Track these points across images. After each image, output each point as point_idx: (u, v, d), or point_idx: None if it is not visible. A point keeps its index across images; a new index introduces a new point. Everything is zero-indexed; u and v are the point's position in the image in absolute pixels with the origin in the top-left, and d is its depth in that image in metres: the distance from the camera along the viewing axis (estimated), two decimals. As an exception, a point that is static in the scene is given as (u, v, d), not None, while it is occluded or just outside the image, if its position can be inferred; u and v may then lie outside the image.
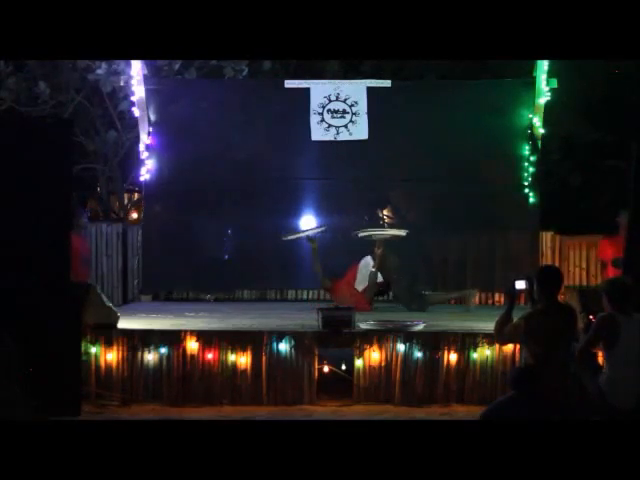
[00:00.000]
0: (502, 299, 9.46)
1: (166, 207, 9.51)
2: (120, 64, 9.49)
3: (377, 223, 9.65)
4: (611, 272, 7.26)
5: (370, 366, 6.66)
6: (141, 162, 9.47)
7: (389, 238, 8.60)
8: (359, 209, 9.69)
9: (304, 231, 8.87)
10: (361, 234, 8.51)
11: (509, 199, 9.38)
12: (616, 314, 5.15)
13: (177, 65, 9.91)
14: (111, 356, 6.64)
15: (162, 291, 9.68)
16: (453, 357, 6.64)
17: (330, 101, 9.42)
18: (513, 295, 5.23)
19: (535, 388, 4.89)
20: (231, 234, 9.54)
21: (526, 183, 9.33)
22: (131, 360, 6.64)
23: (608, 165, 11.19)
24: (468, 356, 6.64)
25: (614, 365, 5.12)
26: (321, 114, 9.41)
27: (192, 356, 6.63)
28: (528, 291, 5.24)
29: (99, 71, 9.52)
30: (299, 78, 9.81)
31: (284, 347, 6.64)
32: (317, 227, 9.00)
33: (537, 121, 9.31)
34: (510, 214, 9.39)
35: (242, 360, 6.62)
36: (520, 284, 5.23)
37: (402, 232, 8.60)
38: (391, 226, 9.66)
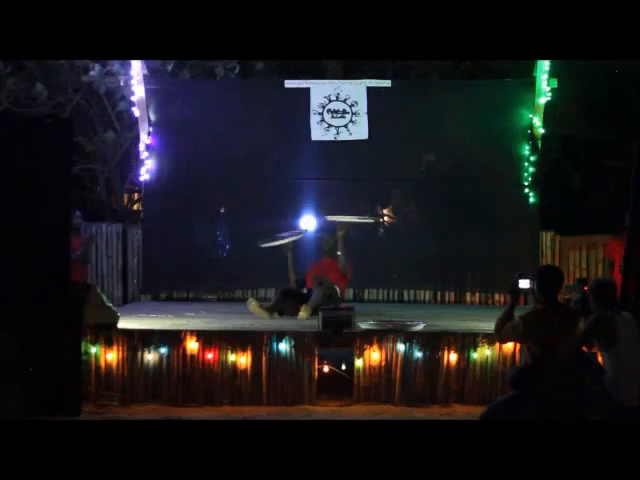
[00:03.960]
0: (502, 299, 9.46)
1: (166, 207, 9.51)
2: (114, 65, 9.48)
3: (377, 222, 9.66)
4: (618, 271, 7.25)
5: (370, 366, 6.66)
6: (141, 162, 9.47)
7: (357, 224, 8.49)
8: (359, 209, 9.68)
9: (281, 237, 8.34)
10: (330, 218, 8.38)
11: (509, 199, 9.37)
12: (609, 314, 5.18)
13: (170, 66, 9.89)
14: (111, 356, 6.64)
15: (162, 291, 9.67)
16: (453, 357, 6.64)
17: (330, 101, 9.42)
18: (516, 293, 5.23)
19: (535, 388, 4.89)
20: (223, 234, 9.53)
21: (526, 183, 9.33)
22: (131, 360, 6.65)
23: (608, 165, 11.18)
24: (468, 356, 6.65)
25: (616, 364, 5.14)
26: (321, 114, 9.40)
27: (192, 356, 6.64)
28: (532, 290, 5.23)
29: (92, 72, 9.51)
30: (296, 78, 9.79)
31: (284, 347, 6.64)
32: (294, 233, 8.47)
33: (537, 121, 9.31)
34: (510, 214, 9.39)
35: (242, 360, 6.63)
36: (524, 283, 5.21)
37: (371, 220, 8.52)
38: (391, 224, 9.68)
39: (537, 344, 4.92)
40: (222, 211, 9.63)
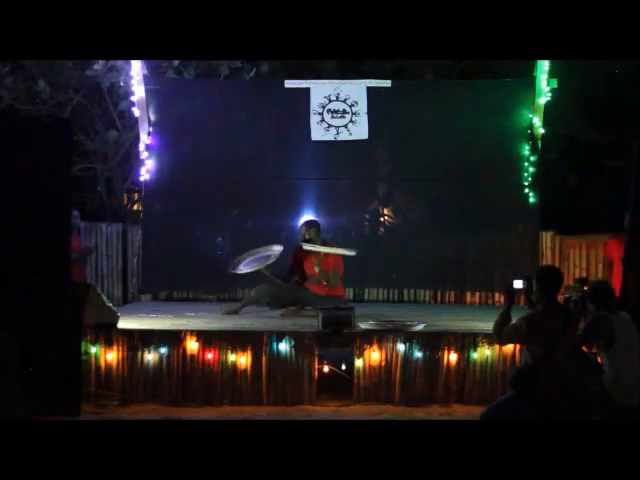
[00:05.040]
0: (502, 299, 9.46)
1: (166, 207, 9.51)
2: (118, 60, 9.46)
3: (377, 221, 9.67)
4: (617, 271, 7.26)
5: (370, 366, 6.66)
6: (141, 162, 9.47)
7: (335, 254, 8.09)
8: (359, 209, 9.69)
9: (253, 259, 8.18)
10: (307, 247, 8.04)
11: (509, 199, 9.37)
12: (607, 314, 5.19)
13: (176, 62, 9.89)
14: (111, 356, 6.64)
15: (162, 291, 9.67)
16: (453, 357, 6.64)
17: (330, 101, 9.41)
18: (512, 294, 5.23)
19: (535, 388, 4.89)
20: (222, 234, 9.53)
21: (526, 183, 9.32)
22: (131, 360, 6.65)
23: (608, 165, 11.18)
24: (468, 356, 6.65)
25: (615, 364, 5.15)
26: (321, 114, 9.40)
27: (192, 356, 6.64)
28: (525, 290, 5.24)
29: (96, 67, 9.50)
30: (296, 78, 9.78)
31: (284, 347, 6.64)
32: (266, 256, 8.21)
33: (537, 121, 9.30)
34: (510, 214, 9.39)
35: (242, 360, 6.63)
36: (518, 283, 5.22)
37: (351, 252, 8.03)
38: (390, 223, 9.68)
39: (539, 345, 4.92)
40: (236, 212, 9.57)
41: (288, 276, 8.25)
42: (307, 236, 8.19)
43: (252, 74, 10.13)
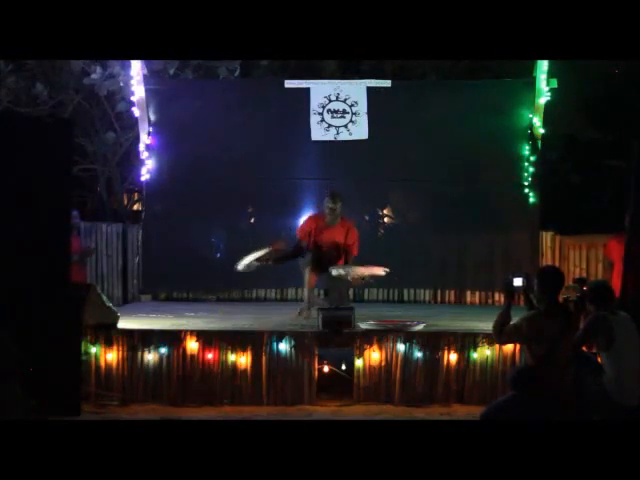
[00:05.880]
0: (502, 299, 9.45)
1: (166, 207, 9.50)
2: (115, 67, 9.48)
3: (377, 221, 9.66)
4: (617, 271, 7.26)
5: (370, 366, 6.66)
6: (141, 162, 9.47)
7: (367, 278, 7.81)
8: (359, 209, 9.69)
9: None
10: (335, 272, 7.60)
11: (509, 199, 9.38)
12: (606, 314, 5.19)
13: (172, 69, 9.89)
14: (111, 356, 6.64)
15: (162, 291, 9.67)
16: (453, 357, 6.64)
17: (330, 101, 9.42)
18: (512, 292, 5.23)
19: (535, 388, 4.88)
20: (219, 234, 9.52)
21: (526, 183, 9.33)
22: (131, 360, 6.65)
23: (608, 165, 11.18)
24: (468, 356, 6.65)
25: (614, 364, 5.15)
26: (321, 114, 9.40)
27: (192, 356, 6.64)
28: (524, 289, 5.23)
29: (94, 76, 9.51)
30: (297, 77, 9.78)
31: (284, 347, 6.64)
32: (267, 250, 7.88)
33: (537, 121, 9.31)
34: (510, 214, 9.39)
35: (242, 360, 6.63)
36: (518, 281, 5.21)
37: (381, 272, 7.64)
38: (390, 223, 9.67)
39: (540, 345, 4.92)
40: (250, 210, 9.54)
41: (298, 249, 7.92)
42: (336, 210, 7.85)
43: (237, 74, 10.15)
